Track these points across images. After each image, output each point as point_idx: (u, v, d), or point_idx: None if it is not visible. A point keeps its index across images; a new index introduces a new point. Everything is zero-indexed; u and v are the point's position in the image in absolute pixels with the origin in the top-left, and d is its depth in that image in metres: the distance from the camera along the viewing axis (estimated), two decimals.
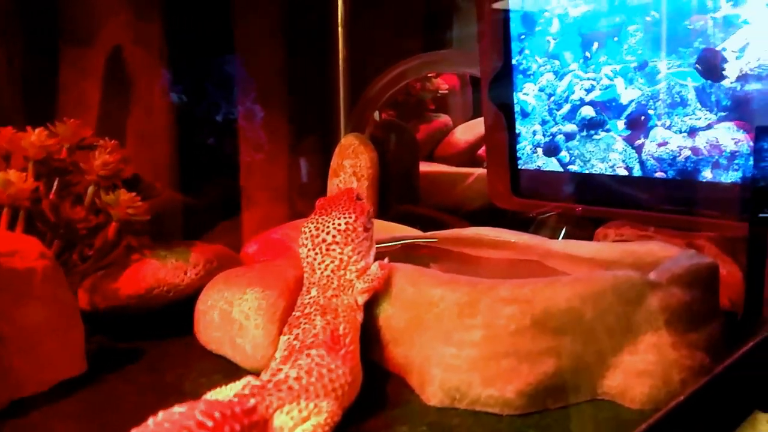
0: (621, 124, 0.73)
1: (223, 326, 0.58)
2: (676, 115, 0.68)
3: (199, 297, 0.62)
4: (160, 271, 0.64)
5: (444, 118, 1.35)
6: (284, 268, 0.62)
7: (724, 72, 0.61)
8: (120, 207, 0.61)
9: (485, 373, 0.47)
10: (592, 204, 0.76)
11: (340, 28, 0.97)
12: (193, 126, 0.90)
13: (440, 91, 1.35)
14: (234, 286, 0.59)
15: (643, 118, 0.70)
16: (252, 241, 0.86)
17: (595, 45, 0.72)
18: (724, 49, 0.63)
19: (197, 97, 0.89)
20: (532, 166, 0.83)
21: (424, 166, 1.20)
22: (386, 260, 0.57)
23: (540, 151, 0.81)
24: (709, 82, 0.64)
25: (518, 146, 0.83)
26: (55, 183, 0.63)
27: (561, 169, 0.79)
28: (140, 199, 0.63)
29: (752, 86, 0.61)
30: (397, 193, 1.05)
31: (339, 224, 0.56)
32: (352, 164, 0.93)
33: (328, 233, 0.56)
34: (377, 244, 0.72)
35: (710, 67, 0.62)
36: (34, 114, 0.84)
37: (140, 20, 0.81)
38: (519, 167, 0.84)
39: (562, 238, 0.90)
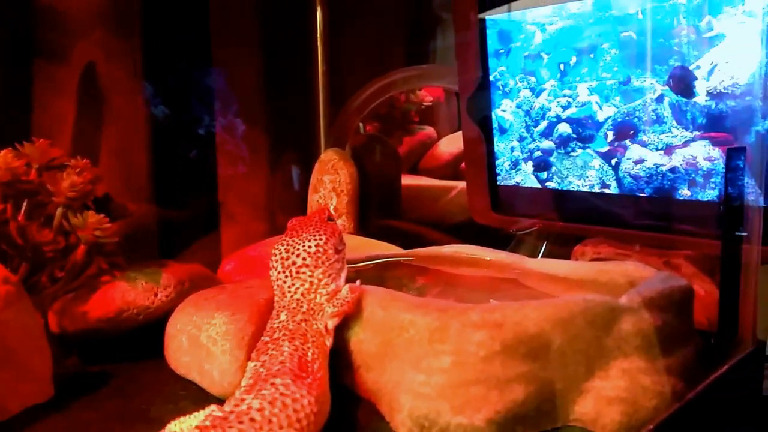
0: (597, 141, 0.72)
1: (192, 351, 0.57)
2: (653, 132, 0.67)
3: (169, 320, 0.61)
4: (129, 293, 0.63)
5: (428, 130, 1.35)
6: (256, 290, 0.61)
7: (695, 89, 0.61)
8: (87, 229, 0.60)
9: (454, 400, 0.46)
10: (570, 221, 0.76)
11: (319, 43, 0.97)
12: (170, 142, 0.89)
13: (424, 103, 1.35)
14: (203, 309, 0.58)
15: (619, 135, 0.70)
16: (229, 259, 0.85)
17: (572, 62, 0.72)
18: (698, 67, 0.63)
19: (175, 113, 0.88)
20: (510, 182, 0.82)
21: (408, 179, 1.20)
22: (358, 282, 0.56)
23: (518, 167, 0.81)
24: (684, 100, 0.64)
25: (497, 162, 0.82)
26: (24, 204, 0.62)
27: (539, 186, 0.79)
28: (109, 220, 0.62)
29: (727, 104, 0.61)
30: (378, 208, 1.04)
31: (309, 246, 0.55)
32: (332, 180, 0.92)
33: (298, 256, 0.55)
34: (353, 263, 0.72)
35: (682, 84, 0.62)
36: (10, 131, 0.83)
37: (114, 37, 0.80)
38: (498, 183, 0.83)
39: (542, 254, 0.90)
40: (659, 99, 0.66)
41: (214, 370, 0.54)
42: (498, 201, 0.84)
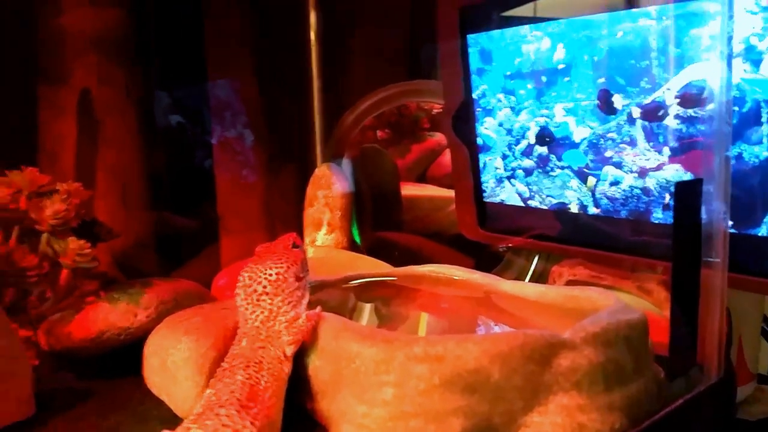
0: (574, 161, 0.72)
1: (161, 373, 0.59)
2: (627, 154, 0.67)
3: (146, 341, 0.64)
4: (110, 314, 0.66)
5: (438, 137, 1.34)
6: (230, 312, 0.63)
7: (615, 108, 0.61)
8: (68, 255, 0.63)
9: None
10: (549, 240, 0.75)
11: (315, 58, 0.98)
12: (167, 159, 0.92)
13: (434, 110, 1.35)
14: (173, 333, 0.60)
15: (594, 156, 0.69)
16: (222, 274, 0.88)
17: (548, 82, 0.71)
18: (668, 89, 0.62)
19: (171, 131, 0.91)
20: (496, 200, 0.82)
21: (411, 189, 1.20)
22: (318, 309, 0.58)
23: (502, 184, 0.81)
24: (656, 123, 0.63)
25: (482, 179, 0.83)
26: (15, 231, 0.66)
27: (522, 204, 0.79)
28: (90, 245, 0.65)
29: (697, 128, 0.60)
30: (376, 220, 1.05)
31: (270, 274, 0.57)
32: (325, 195, 0.94)
33: (259, 283, 0.57)
34: (329, 283, 0.74)
35: (605, 103, 0.62)
36: (17, 149, 0.88)
37: (107, 62, 0.83)
38: (484, 200, 0.84)
39: (533, 272, 0.90)
40: (631, 121, 0.65)
41: (177, 394, 0.57)
42: (484, 217, 0.84)
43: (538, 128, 0.71)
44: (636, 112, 0.62)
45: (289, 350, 0.55)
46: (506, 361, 0.48)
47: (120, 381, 0.66)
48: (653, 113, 0.61)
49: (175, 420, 0.59)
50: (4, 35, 0.84)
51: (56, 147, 0.87)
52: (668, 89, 0.61)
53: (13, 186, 0.65)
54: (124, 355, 0.69)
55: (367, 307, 0.73)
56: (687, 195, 0.50)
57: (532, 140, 0.73)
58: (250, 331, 0.56)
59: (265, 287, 0.57)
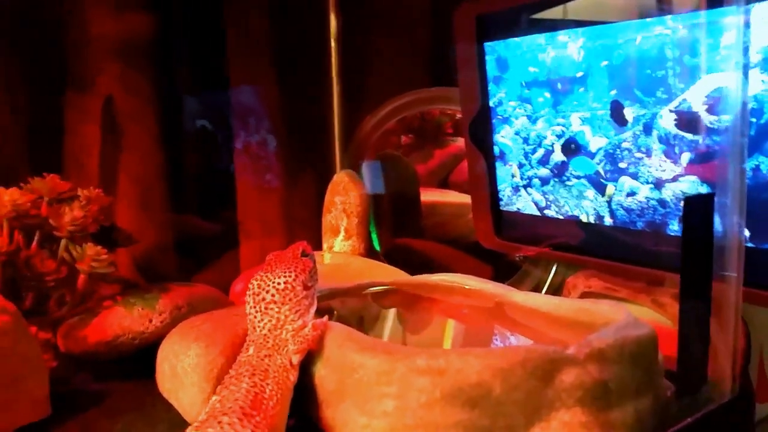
0: (590, 171, 0.71)
1: (171, 379, 0.60)
2: (642, 165, 0.65)
3: (160, 346, 0.65)
4: (125, 319, 0.68)
5: (460, 143, 1.34)
6: (240, 318, 0.64)
7: (626, 120, 0.59)
8: (85, 261, 0.64)
9: None
10: (565, 250, 0.74)
11: (335, 62, 0.99)
12: (189, 164, 0.93)
13: (458, 115, 1.34)
14: (184, 339, 0.61)
15: (610, 166, 0.68)
16: (239, 279, 0.89)
17: (564, 91, 0.70)
18: (684, 101, 0.60)
19: (194, 136, 0.93)
20: (512, 208, 0.81)
21: (432, 195, 1.20)
22: (325, 318, 0.58)
23: (518, 193, 0.80)
24: (673, 133, 0.62)
25: (499, 188, 0.82)
26: (36, 236, 0.68)
27: (538, 213, 0.78)
28: (107, 251, 0.67)
29: (713, 139, 0.59)
30: (395, 227, 1.05)
31: (278, 283, 0.58)
32: (342, 201, 0.94)
33: (267, 292, 0.58)
34: (341, 291, 0.74)
35: (618, 115, 0.61)
36: (45, 153, 0.90)
37: (130, 71, 0.85)
38: (501, 208, 0.83)
39: (550, 282, 0.89)
40: (647, 131, 0.64)
41: (185, 400, 0.58)
42: (500, 226, 0.83)
43: (564, 138, 0.70)
44: (665, 121, 0.61)
45: (296, 359, 0.55)
46: (508, 376, 0.47)
47: (134, 384, 0.67)
48: (685, 122, 0.59)
49: (184, 425, 0.59)
50: (34, 41, 0.87)
51: (82, 152, 0.89)
52: (686, 99, 0.60)
53: (35, 192, 0.67)
54: (140, 359, 0.70)
55: (384, 316, 0.74)
56: (697, 209, 0.49)
57: (556, 149, 0.72)
58: (257, 339, 0.57)
59: (273, 296, 0.57)
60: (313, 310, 0.59)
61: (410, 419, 0.48)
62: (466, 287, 0.71)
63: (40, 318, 0.67)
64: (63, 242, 0.66)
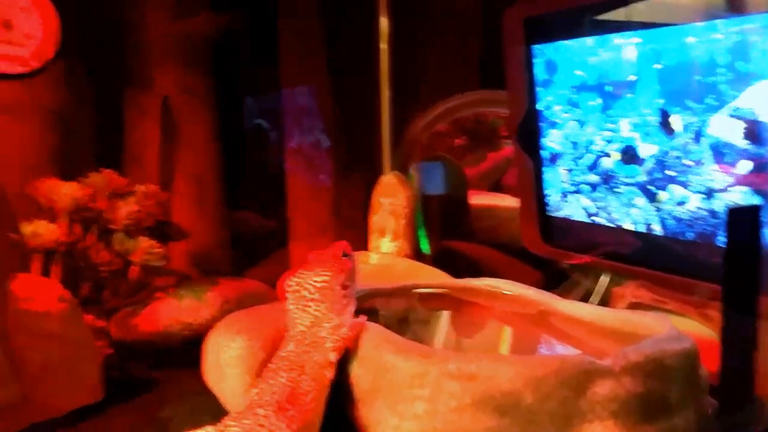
0: (640, 178, 0.69)
1: (215, 369, 0.62)
2: (692, 174, 0.63)
3: (206, 337, 0.67)
4: (175, 310, 0.71)
5: None
6: (283, 314, 0.65)
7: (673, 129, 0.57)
8: (138, 253, 0.67)
9: None
10: (614, 259, 0.73)
11: (385, 64, 0.99)
12: (242, 163, 0.96)
13: None
14: (228, 332, 0.63)
15: (660, 174, 0.66)
16: (286, 275, 0.91)
17: (614, 95, 0.69)
18: (736, 108, 0.58)
19: (247, 136, 0.95)
20: (560, 214, 0.80)
21: (484, 198, 1.19)
22: (362, 318, 0.59)
23: (566, 199, 0.79)
24: (722, 141, 0.60)
25: (546, 193, 0.81)
26: (94, 229, 0.72)
27: (587, 220, 0.76)
28: (160, 244, 0.70)
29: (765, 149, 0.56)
30: (443, 229, 1.05)
31: (317, 281, 0.59)
32: (390, 202, 0.94)
33: (306, 290, 0.59)
34: (384, 292, 0.75)
35: (665, 124, 0.59)
36: (107, 148, 0.95)
37: (187, 71, 0.89)
38: (548, 214, 0.82)
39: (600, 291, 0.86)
40: (697, 139, 0.62)
41: (227, 390, 0.60)
42: (548, 232, 0.82)
43: (614, 143, 0.69)
44: (715, 129, 0.59)
45: (332, 356, 0.56)
46: (540, 386, 0.47)
47: (181, 374, 0.70)
48: (738, 130, 0.57)
49: (226, 414, 0.62)
50: (98, 41, 0.91)
51: (141, 149, 0.93)
52: (738, 106, 0.58)
53: (92, 187, 0.70)
54: (189, 349, 0.73)
55: (430, 319, 0.74)
56: (742, 220, 0.47)
57: (608, 155, 0.71)
58: (296, 335, 0.58)
59: (312, 293, 0.58)
60: (351, 309, 0.60)
61: (440, 423, 0.48)
62: (509, 293, 0.71)
63: (95, 307, 0.70)
64: (118, 235, 0.70)
